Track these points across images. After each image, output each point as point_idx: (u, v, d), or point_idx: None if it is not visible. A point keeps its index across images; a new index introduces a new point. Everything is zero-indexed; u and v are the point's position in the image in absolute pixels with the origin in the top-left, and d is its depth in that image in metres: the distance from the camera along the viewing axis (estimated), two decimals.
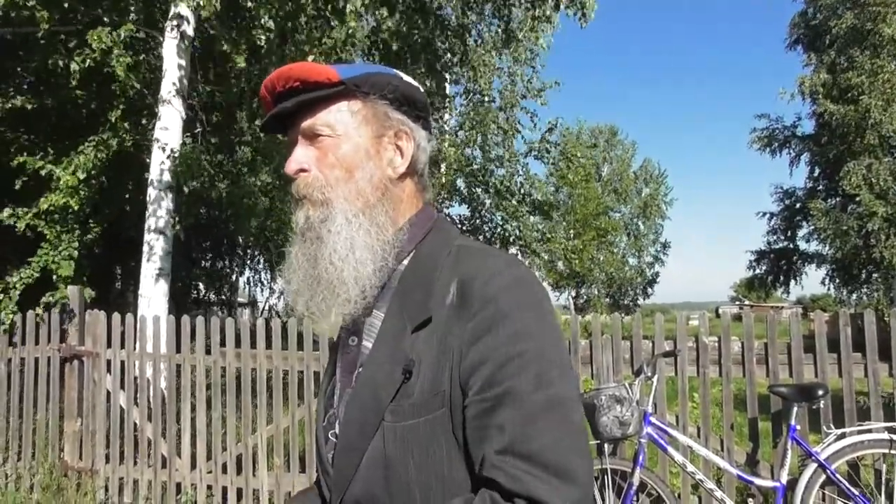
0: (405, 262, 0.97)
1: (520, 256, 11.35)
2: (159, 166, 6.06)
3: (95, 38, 5.60)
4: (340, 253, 0.93)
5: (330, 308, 0.94)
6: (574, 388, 0.87)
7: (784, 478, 3.36)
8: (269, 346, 4.56)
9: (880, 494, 3.44)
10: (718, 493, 3.48)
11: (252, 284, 20.65)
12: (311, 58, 5.84)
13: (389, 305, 0.94)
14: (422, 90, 1.04)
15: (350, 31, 6.00)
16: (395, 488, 0.87)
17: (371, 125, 0.98)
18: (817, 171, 20.44)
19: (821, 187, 20.48)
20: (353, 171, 0.96)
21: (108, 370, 4.85)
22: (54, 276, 5.94)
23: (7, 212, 6.05)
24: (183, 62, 6.16)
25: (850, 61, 17.76)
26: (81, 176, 6.10)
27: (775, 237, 22.01)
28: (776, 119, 20.95)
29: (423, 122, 1.03)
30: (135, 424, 4.76)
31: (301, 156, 0.98)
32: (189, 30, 6.09)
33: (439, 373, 0.86)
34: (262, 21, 5.71)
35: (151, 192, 6.08)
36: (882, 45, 17.01)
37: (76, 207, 6.08)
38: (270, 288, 19.92)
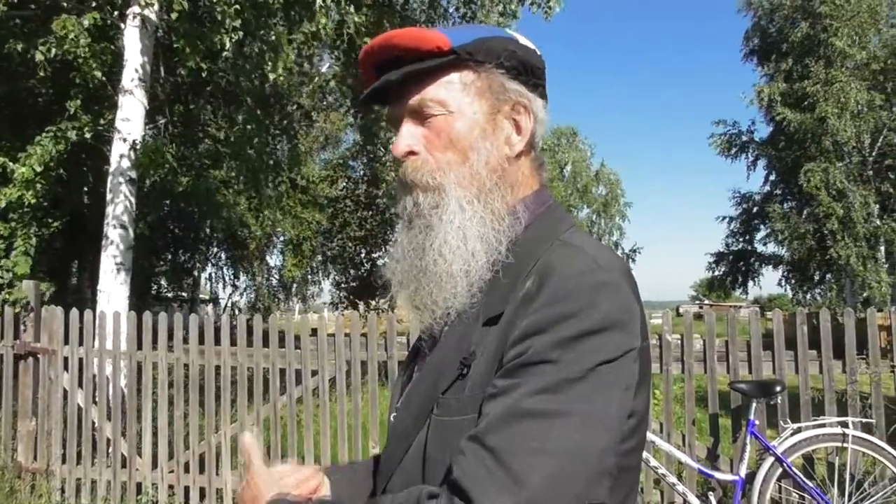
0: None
1: None
2: (119, 158, 5.90)
3: (61, 26, 5.41)
4: (451, 244, 0.84)
5: (436, 302, 0.85)
6: (609, 438, 0.72)
7: (743, 471, 3.47)
8: (233, 342, 4.49)
9: (833, 486, 3.56)
10: (680, 487, 3.56)
11: (214, 281, 20.29)
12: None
13: None
14: (539, 53, 0.93)
15: (319, 26, 5.93)
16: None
17: (486, 99, 0.87)
18: (774, 175, 20.98)
19: (777, 191, 21.02)
20: (467, 152, 0.86)
21: (66, 368, 4.71)
22: (10, 274, 5.73)
23: None
24: (145, 52, 6.01)
25: (805, 69, 18.29)
26: (38, 168, 5.89)
27: (734, 240, 22.56)
28: (733, 124, 21.42)
29: (541, 91, 0.92)
30: (93, 424, 4.63)
31: (409, 136, 0.88)
32: (152, 16, 5.94)
33: (490, 370, 0.78)
34: (227, 24, 5.56)
35: (111, 185, 5.92)
36: (834, 56, 17.57)
37: (32, 201, 5.87)
38: (233, 285, 19.60)
